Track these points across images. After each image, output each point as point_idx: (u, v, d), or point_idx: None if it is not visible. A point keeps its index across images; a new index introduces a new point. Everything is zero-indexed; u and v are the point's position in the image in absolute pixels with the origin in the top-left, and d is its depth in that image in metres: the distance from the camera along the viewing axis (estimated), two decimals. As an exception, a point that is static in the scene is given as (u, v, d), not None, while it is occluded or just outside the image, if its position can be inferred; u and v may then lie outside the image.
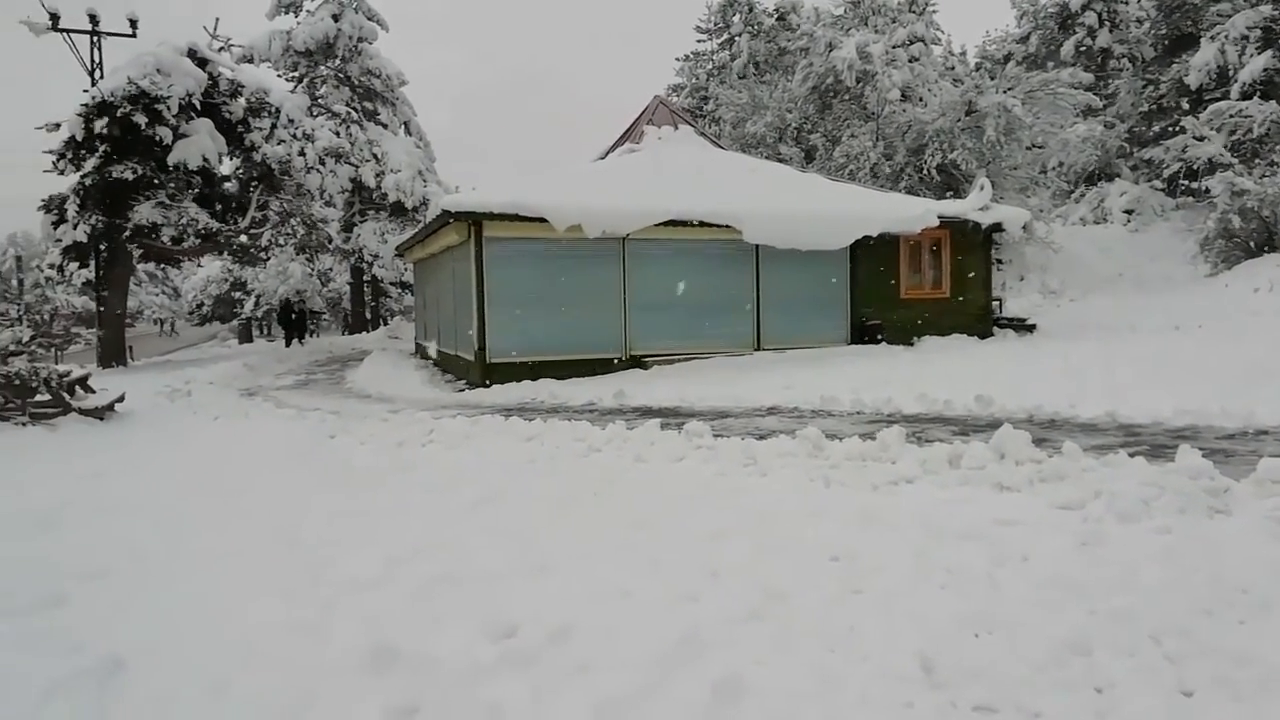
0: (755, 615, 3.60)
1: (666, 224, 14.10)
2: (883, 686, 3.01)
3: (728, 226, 14.47)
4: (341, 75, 30.67)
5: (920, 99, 28.21)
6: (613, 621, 3.55)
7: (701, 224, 14.37)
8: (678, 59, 51.43)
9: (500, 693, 3.05)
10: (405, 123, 33.13)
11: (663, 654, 3.26)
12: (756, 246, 15.07)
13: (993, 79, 28.91)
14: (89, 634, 3.80)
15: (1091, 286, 25.09)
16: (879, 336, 15.84)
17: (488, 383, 13.41)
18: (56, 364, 11.39)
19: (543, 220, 13.39)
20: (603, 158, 20.03)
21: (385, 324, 37.25)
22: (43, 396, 10.41)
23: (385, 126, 31.58)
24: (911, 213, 16.07)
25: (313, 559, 4.64)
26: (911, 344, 15.79)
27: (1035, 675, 3.03)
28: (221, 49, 22.30)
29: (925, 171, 26.06)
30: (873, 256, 16.12)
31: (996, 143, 24.77)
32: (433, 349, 18.29)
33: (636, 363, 14.41)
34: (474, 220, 13.44)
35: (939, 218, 16.08)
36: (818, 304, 15.90)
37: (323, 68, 30.51)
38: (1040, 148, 27.66)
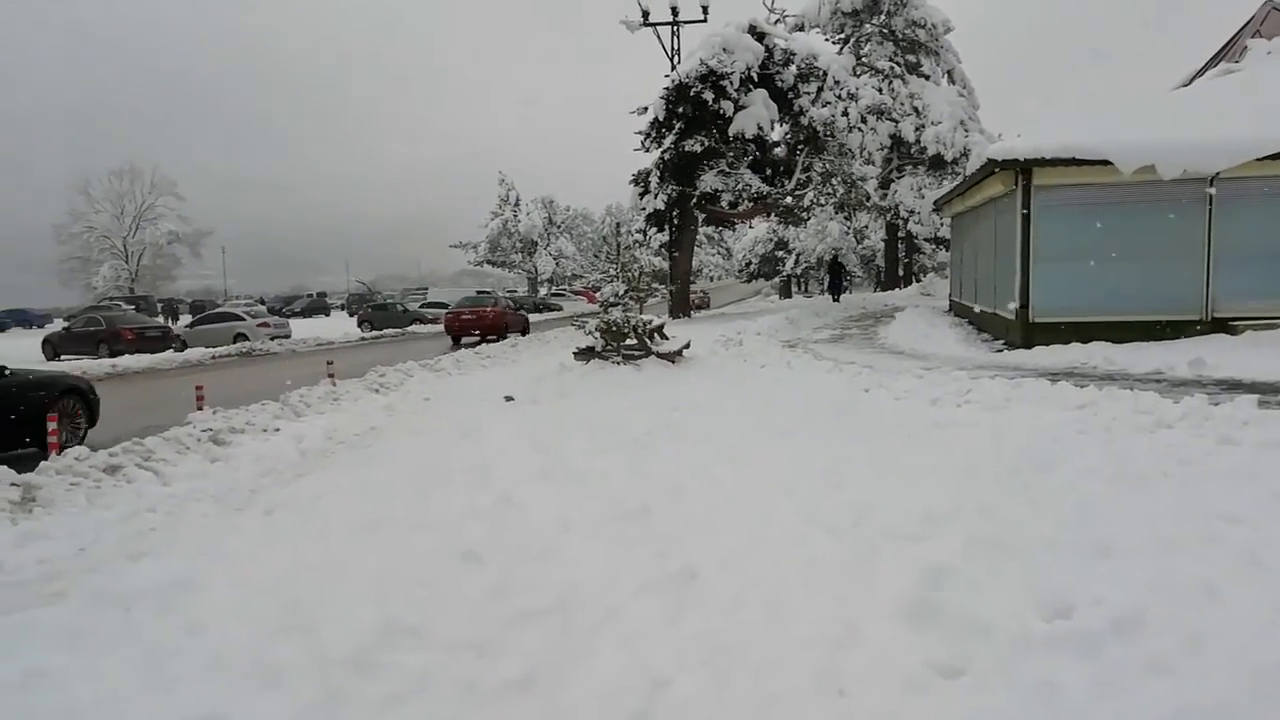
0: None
1: (1276, 156, 11.46)
2: None
3: (1378, 154, 11.24)
4: (885, 31, 30.70)
5: None
6: (1194, 623, 3.06)
7: (1332, 154, 11.40)
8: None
9: (1055, 674, 2.84)
10: (948, 71, 31.98)
11: (1264, 672, 2.72)
12: None
13: None
14: (668, 543, 4.48)
15: None
16: None
17: (1029, 344, 12.46)
18: (640, 314, 13.56)
19: (1104, 163, 11.88)
20: (1187, 84, 16.99)
21: (917, 280, 36.91)
22: (630, 341, 12.51)
23: (927, 78, 30.86)
24: None
25: (855, 501, 4.84)
26: None
27: None
28: (777, 21, 23.90)
29: None
30: None
31: None
32: (970, 306, 17.59)
33: (1221, 326, 12.09)
34: (1022, 168, 12.47)
35: None
36: None
37: (868, 25, 30.88)
38: None
